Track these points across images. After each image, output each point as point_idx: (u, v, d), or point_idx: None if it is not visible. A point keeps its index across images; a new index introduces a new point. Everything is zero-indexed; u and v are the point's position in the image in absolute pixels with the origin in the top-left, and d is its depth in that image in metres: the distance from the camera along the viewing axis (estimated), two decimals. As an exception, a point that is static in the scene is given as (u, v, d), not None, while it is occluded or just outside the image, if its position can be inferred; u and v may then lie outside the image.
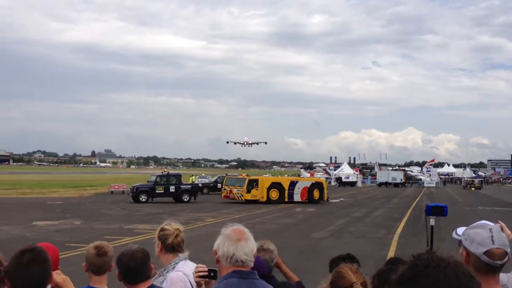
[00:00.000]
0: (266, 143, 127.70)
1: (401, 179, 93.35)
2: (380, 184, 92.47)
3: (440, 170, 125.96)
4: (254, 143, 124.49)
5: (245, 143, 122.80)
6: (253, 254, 2.89)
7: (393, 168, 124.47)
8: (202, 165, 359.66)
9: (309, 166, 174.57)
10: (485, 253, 2.45)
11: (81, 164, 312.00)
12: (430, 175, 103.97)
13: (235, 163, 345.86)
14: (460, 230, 2.81)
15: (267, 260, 4.34)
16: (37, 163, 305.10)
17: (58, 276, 3.00)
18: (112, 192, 50.12)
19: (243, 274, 2.81)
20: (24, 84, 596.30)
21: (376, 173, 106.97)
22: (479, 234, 2.51)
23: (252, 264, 2.88)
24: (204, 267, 3.29)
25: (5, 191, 47.47)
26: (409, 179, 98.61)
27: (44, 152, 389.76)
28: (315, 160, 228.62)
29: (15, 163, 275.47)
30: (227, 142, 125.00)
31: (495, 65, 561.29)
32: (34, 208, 31.69)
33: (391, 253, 16.21)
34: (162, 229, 3.97)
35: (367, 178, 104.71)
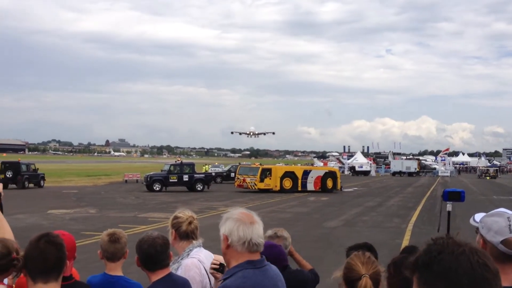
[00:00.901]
0: (274, 133, 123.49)
1: (415, 168, 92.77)
2: (394, 173, 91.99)
3: (454, 159, 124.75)
4: (261, 133, 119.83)
5: (251, 134, 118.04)
6: (262, 234, 2.86)
7: (407, 157, 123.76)
8: (215, 154, 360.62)
9: (322, 155, 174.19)
10: (502, 242, 2.40)
11: (96, 153, 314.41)
12: (444, 164, 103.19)
13: (248, 153, 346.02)
14: (478, 216, 2.75)
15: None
16: (52, 152, 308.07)
17: None
18: (126, 181, 50.49)
19: (256, 264, 2.76)
20: (38, 74, 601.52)
21: (390, 162, 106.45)
22: (496, 223, 2.46)
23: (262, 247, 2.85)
24: (217, 261, 3.29)
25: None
26: (423, 168, 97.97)
27: (59, 142, 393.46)
28: (328, 149, 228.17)
29: (30, 152, 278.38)
30: (232, 133, 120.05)
31: (511, 53, 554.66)
32: (49, 197, 32.06)
33: (405, 242, 16.15)
34: (176, 217, 3.98)
35: (381, 167, 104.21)
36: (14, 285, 3.14)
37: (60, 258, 2.67)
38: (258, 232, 2.79)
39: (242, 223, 2.76)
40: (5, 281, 3.05)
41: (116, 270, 3.73)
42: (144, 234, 3.59)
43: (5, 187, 43.42)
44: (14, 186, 39.23)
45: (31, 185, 41.08)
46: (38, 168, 43.28)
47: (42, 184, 41.99)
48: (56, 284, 2.65)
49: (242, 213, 2.85)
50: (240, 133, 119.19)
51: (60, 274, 2.68)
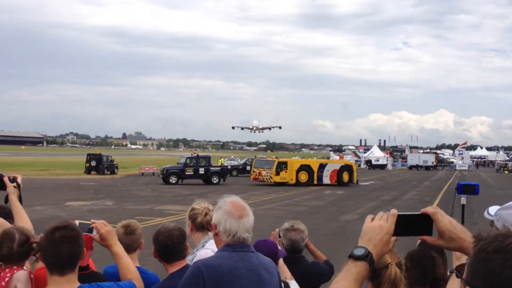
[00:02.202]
0: (280, 127, 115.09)
1: (433, 162, 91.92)
2: (411, 167, 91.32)
3: (472, 153, 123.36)
4: (266, 128, 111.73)
5: (254, 129, 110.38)
6: (252, 229, 2.86)
7: (424, 151, 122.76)
8: (231, 148, 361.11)
9: (338, 149, 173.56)
10: None
11: (113, 146, 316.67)
12: (462, 158, 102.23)
13: (264, 146, 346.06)
14: (492, 209, 2.69)
15: (297, 239, 4.34)
16: (70, 145, 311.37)
17: (102, 227, 3.06)
18: (142, 173, 50.81)
19: (235, 248, 2.79)
20: (56, 68, 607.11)
21: (406, 156, 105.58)
22: None
23: (250, 240, 2.85)
24: None
25: (39, 172, 48.62)
26: (441, 162, 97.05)
27: (76, 134, 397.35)
28: (344, 143, 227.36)
29: (48, 145, 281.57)
30: (233, 128, 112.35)
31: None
32: (67, 189, 32.38)
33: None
34: (192, 209, 4.00)
35: (398, 161, 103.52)
36: (33, 272, 3.19)
37: (74, 253, 2.64)
38: (245, 226, 2.81)
39: (231, 216, 2.80)
40: (25, 266, 3.12)
41: (132, 260, 3.75)
42: (160, 226, 3.61)
43: (88, 173, 46.69)
44: (94, 172, 49.25)
45: (108, 172, 49.56)
46: (113, 160, 52.43)
47: (116, 172, 50.77)
48: (72, 274, 2.66)
49: (234, 204, 2.86)
50: (242, 128, 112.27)
51: (75, 265, 2.68)
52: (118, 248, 3.07)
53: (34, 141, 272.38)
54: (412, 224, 1.86)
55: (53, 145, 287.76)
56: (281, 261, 3.77)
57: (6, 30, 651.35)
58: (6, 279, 2.94)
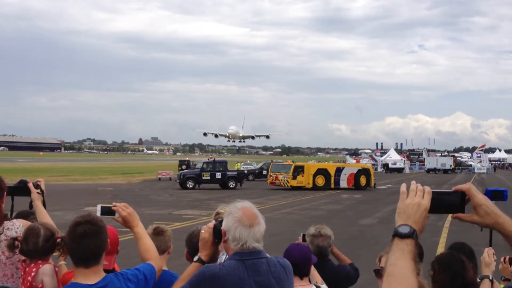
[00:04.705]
0: (268, 136, 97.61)
1: (451, 165, 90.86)
2: (429, 171, 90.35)
3: (490, 155, 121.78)
4: (248, 137, 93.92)
5: (230, 137, 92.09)
6: (262, 237, 2.78)
7: (442, 154, 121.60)
8: (247, 152, 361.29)
9: (354, 153, 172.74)
10: None
11: (129, 152, 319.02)
12: (480, 161, 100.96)
13: (280, 150, 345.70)
14: None
15: (325, 245, 4.30)
16: (87, 150, 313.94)
17: (124, 210, 3.09)
18: (159, 178, 51.02)
19: (243, 256, 2.70)
20: (73, 74, 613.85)
21: (424, 159, 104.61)
22: None
23: (260, 248, 2.76)
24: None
25: (58, 178, 49.05)
26: (459, 165, 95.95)
27: (93, 140, 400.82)
28: (360, 146, 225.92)
29: (66, 151, 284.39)
30: (205, 134, 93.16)
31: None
32: (85, 194, 32.61)
33: (442, 240, 15.88)
34: (217, 213, 4.00)
35: (415, 164, 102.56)
36: (58, 271, 3.21)
37: (97, 247, 2.66)
38: (255, 235, 2.73)
39: (241, 224, 2.72)
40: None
41: (160, 264, 3.75)
42: (194, 228, 3.61)
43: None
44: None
45: None
46: (196, 164, 51.80)
47: None
48: (98, 266, 2.68)
49: (245, 212, 2.77)
50: (217, 136, 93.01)
51: (100, 258, 2.69)
52: (140, 229, 3.13)
53: (52, 147, 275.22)
54: (445, 202, 1.88)
55: (70, 151, 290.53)
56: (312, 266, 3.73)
57: (25, 37, 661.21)
58: (32, 273, 2.98)
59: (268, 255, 2.85)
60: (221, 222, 2.87)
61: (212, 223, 2.98)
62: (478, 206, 1.86)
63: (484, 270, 3.36)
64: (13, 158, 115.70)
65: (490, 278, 3.31)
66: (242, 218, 2.74)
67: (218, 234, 2.88)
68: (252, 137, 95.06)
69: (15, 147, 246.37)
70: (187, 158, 66.59)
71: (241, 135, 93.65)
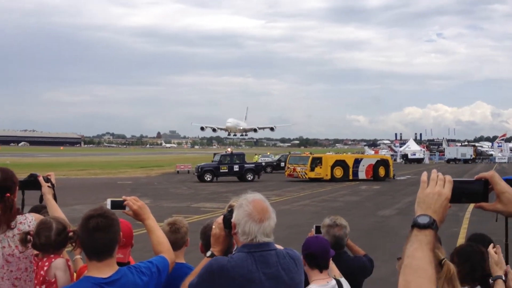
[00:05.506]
0: (272, 128, 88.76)
1: (471, 155, 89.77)
2: (449, 161, 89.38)
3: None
4: (250, 130, 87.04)
5: (229, 131, 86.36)
6: (272, 232, 2.73)
7: (462, 143, 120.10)
8: (265, 144, 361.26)
9: (373, 143, 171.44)
10: None
11: (148, 145, 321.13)
12: (501, 151, 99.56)
13: (298, 142, 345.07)
14: None
15: (341, 235, 4.25)
16: (106, 144, 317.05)
17: (134, 203, 3.09)
18: (178, 172, 51.31)
19: (252, 248, 2.68)
20: (92, 69, 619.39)
21: (444, 149, 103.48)
22: None
23: (271, 241, 2.73)
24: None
25: (77, 172, 49.64)
26: (480, 155, 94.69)
27: (112, 134, 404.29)
28: (379, 137, 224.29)
29: (86, 145, 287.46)
30: (202, 129, 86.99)
31: None
32: (105, 188, 32.91)
33: (462, 231, 15.69)
34: (230, 206, 3.95)
35: (435, 155, 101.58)
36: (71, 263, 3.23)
37: (109, 240, 2.65)
38: (265, 230, 2.69)
39: (251, 218, 2.68)
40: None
41: (177, 257, 3.75)
42: (209, 221, 3.59)
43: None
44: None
45: None
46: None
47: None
48: (111, 259, 2.68)
49: (256, 206, 2.72)
50: (214, 129, 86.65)
51: (112, 251, 2.69)
52: (151, 222, 3.12)
53: (72, 142, 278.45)
54: (467, 191, 1.83)
55: (90, 145, 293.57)
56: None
57: (44, 33, 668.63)
58: (45, 267, 2.98)
59: (277, 246, 2.82)
60: (231, 212, 2.85)
61: (221, 218, 2.97)
62: (502, 193, 1.80)
63: (495, 270, 3.25)
64: (34, 153, 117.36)
65: (503, 278, 3.20)
66: (253, 213, 2.69)
67: (228, 224, 2.86)
68: (255, 130, 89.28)
69: (36, 142, 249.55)
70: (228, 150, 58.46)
71: (241, 128, 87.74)
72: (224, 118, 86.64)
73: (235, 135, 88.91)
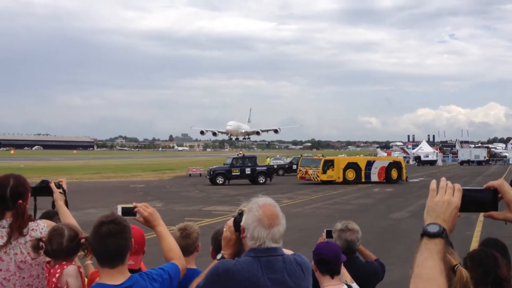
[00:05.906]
0: (276, 131, 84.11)
1: (485, 157, 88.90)
2: (462, 163, 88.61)
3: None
4: (253, 133, 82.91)
5: (229, 135, 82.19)
6: (281, 237, 2.72)
7: (476, 145, 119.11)
8: (277, 147, 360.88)
9: (385, 145, 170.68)
10: None
11: (160, 149, 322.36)
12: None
13: (309, 144, 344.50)
14: None
15: (353, 240, 4.24)
16: (119, 148, 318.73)
17: (145, 210, 3.10)
18: (190, 175, 51.42)
19: (258, 252, 2.66)
20: (104, 73, 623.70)
21: (457, 151, 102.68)
22: None
23: (279, 246, 2.72)
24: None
25: (90, 176, 49.93)
26: (493, 157, 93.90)
27: (125, 138, 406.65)
28: (391, 139, 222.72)
29: (99, 149, 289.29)
30: (202, 133, 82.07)
31: None
32: (118, 191, 33.08)
33: (476, 234, 15.55)
34: (240, 210, 3.95)
35: (448, 157, 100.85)
36: (83, 270, 3.25)
37: (121, 247, 2.66)
38: (274, 236, 2.68)
39: (260, 223, 2.66)
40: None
41: (188, 263, 3.75)
42: (219, 226, 3.59)
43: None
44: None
45: None
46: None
47: None
48: (123, 266, 2.69)
49: (266, 210, 2.70)
50: (215, 133, 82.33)
51: (124, 258, 2.70)
52: (162, 228, 3.13)
53: (85, 146, 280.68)
54: (476, 199, 1.82)
55: (103, 149, 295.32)
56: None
57: (57, 37, 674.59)
58: (57, 274, 3.00)
59: (286, 251, 2.81)
60: (241, 214, 2.85)
61: (231, 221, 2.97)
62: (511, 202, 1.80)
63: None
64: (48, 156, 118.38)
65: None
66: (262, 218, 2.68)
67: (238, 227, 2.86)
68: (257, 133, 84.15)
69: (49, 145, 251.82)
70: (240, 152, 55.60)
71: (243, 130, 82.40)
72: (236, 121, 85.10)
73: (237, 138, 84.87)
